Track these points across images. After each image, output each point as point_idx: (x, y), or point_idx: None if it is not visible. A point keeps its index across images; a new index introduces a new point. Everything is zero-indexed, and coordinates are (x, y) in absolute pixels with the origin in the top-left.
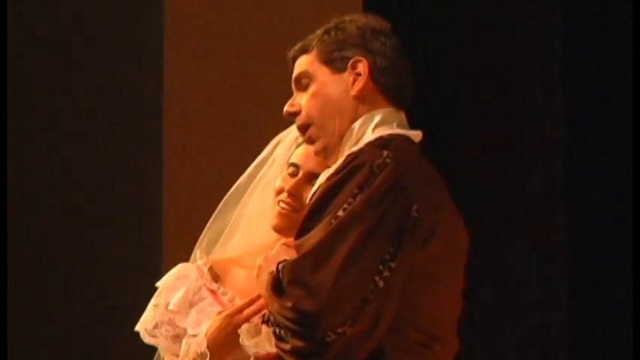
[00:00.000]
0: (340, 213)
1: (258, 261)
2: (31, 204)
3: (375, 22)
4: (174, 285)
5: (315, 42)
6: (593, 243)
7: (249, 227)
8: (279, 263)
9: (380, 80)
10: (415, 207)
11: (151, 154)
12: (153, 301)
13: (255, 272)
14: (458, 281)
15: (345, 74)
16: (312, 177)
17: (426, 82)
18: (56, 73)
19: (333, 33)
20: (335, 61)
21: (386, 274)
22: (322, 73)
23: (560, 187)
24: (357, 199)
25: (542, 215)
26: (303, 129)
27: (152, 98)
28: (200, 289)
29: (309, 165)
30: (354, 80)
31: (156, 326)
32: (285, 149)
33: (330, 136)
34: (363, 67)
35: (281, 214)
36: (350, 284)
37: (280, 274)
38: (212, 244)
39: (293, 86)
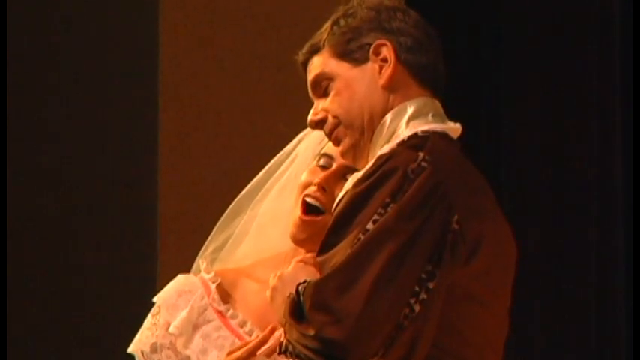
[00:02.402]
0: (370, 226)
1: (272, 281)
2: (22, 209)
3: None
4: (176, 303)
5: (325, 37)
6: None
7: (262, 232)
8: (298, 284)
9: (408, 61)
10: (456, 218)
11: (146, 158)
12: (150, 319)
13: (268, 293)
14: (504, 300)
15: (369, 64)
16: (347, 172)
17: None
18: (52, 74)
19: (342, 22)
20: (353, 53)
21: (423, 296)
22: (342, 70)
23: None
24: (389, 209)
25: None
26: (330, 132)
27: (148, 100)
28: (206, 309)
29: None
30: (381, 68)
31: (154, 350)
32: (313, 144)
33: (359, 135)
34: (387, 51)
35: (301, 223)
36: (381, 309)
37: (301, 297)
38: (218, 250)
39: (311, 93)
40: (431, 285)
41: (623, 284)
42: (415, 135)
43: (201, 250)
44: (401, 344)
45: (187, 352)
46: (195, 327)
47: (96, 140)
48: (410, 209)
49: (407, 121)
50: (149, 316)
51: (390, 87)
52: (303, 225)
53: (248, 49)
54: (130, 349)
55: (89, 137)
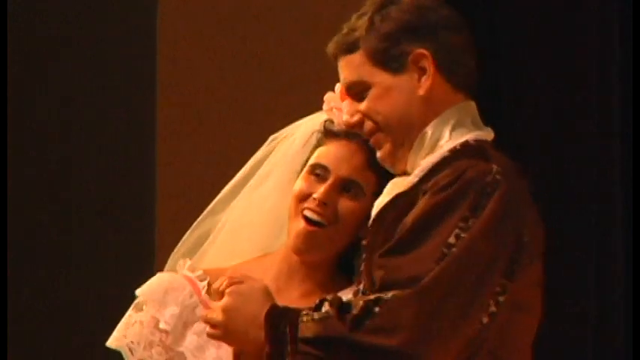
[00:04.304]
0: (452, 240)
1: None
2: (20, 205)
3: (423, 4)
4: (164, 300)
5: (360, 37)
6: None
7: (235, 235)
8: (336, 301)
9: (446, 68)
10: (525, 231)
11: (144, 159)
12: (134, 315)
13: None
14: (541, 305)
15: (407, 72)
16: (345, 184)
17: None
18: (49, 74)
19: (378, 22)
20: (391, 61)
21: (492, 309)
22: (380, 77)
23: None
24: (471, 224)
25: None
26: (368, 134)
27: (145, 101)
28: (196, 306)
29: (344, 170)
30: (419, 76)
31: (144, 347)
32: (296, 148)
33: (399, 142)
34: (426, 61)
35: (306, 234)
36: (462, 330)
37: (362, 312)
38: (190, 252)
39: (342, 89)
40: (501, 298)
41: (623, 286)
42: (467, 143)
43: (175, 250)
44: (467, 356)
45: (180, 349)
46: (186, 324)
47: (93, 141)
48: (491, 227)
49: (450, 131)
50: (131, 311)
51: (429, 96)
52: (307, 236)
53: (246, 49)
54: (113, 344)
55: (86, 138)
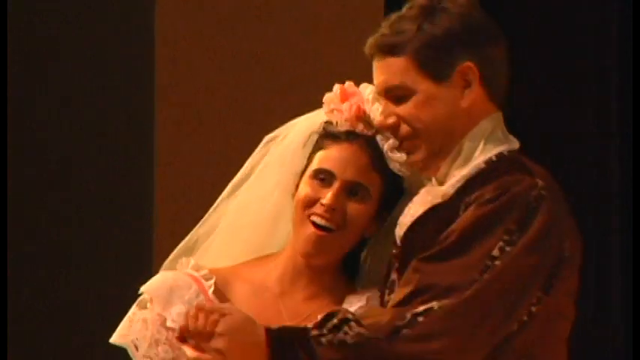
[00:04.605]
0: (496, 252)
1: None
2: (20, 205)
3: (472, 15)
4: (170, 298)
5: (407, 41)
6: None
7: (233, 236)
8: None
9: (487, 81)
10: (566, 245)
11: (143, 157)
12: (138, 313)
13: None
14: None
15: (451, 82)
16: (351, 187)
17: None
18: (48, 74)
19: (428, 29)
20: (438, 70)
21: (524, 318)
22: (424, 85)
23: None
24: (515, 238)
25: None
26: (403, 138)
27: (144, 101)
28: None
29: (349, 173)
30: (463, 88)
31: (150, 344)
32: (294, 148)
33: (436, 151)
34: (472, 74)
35: (316, 239)
36: (499, 335)
37: (403, 322)
38: (188, 252)
39: (380, 91)
40: (534, 309)
41: (623, 286)
42: (501, 155)
43: (176, 249)
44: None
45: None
46: None
47: (92, 141)
48: (535, 243)
49: (485, 142)
50: (135, 308)
51: (470, 108)
52: (317, 241)
53: (245, 49)
54: (117, 341)
55: (85, 138)
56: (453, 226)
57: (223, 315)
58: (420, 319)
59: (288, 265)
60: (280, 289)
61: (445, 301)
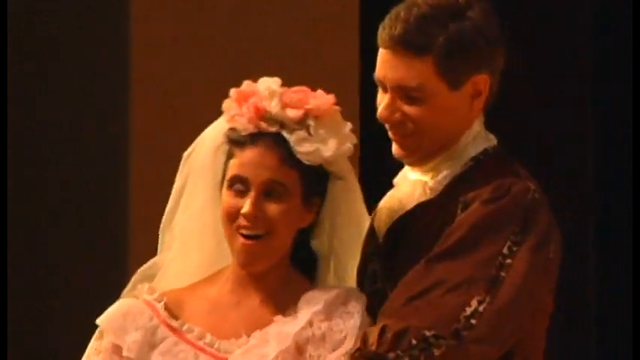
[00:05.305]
0: (506, 251)
1: None
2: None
3: (491, 26)
4: (124, 325)
5: (434, 44)
6: None
7: (183, 257)
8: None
9: (491, 94)
10: (552, 246)
11: (117, 160)
12: (95, 344)
13: None
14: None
15: (463, 90)
16: (268, 188)
17: None
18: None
19: (455, 37)
20: (456, 77)
21: None
22: (440, 90)
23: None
24: (519, 239)
25: None
26: (404, 133)
27: (119, 100)
28: (157, 328)
29: (261, 175)
30: (473, 97)
31: None
32: (207, 161)
33: (434, 151)
34: (484, 86)
35: (248, 248)
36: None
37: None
38: (147, 278)
39: (393, 87)
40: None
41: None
42: (487, 152)
43: (134, 276)
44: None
45: None
46: (151, 346)
47: (65, 142)
48: (539, 245)
49: (473, 140)
50: (93, 341)
51: (476, 115)
52: (249, 250)
53: (223, 47)
54: None
55: (59, 140)
56: (457, 224)
57: None
58: (473, 321)
59: (236, 276)
60: (236, 300)
61: (485, 301)
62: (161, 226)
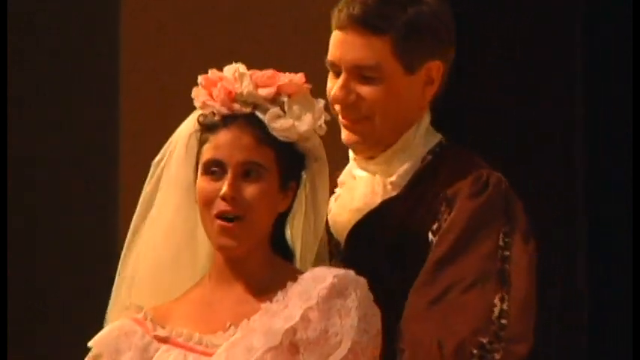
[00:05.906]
0: (501, 243)
1: None
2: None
3: (446, 13)
4: (117, 346)
5: (393, 25)
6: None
7: (158, 272)
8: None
9: (441, 85)
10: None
11: (107, 160)
12: None
13: None
14: None
15: (417, 75)
16: (244, 169)
17: None
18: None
19: (413, 19)
20: (412, 61)
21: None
22: (396, 73)
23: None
24: (508, 229)
25: None
26: (357, 116)
27: (108, 100)
28: (149, 344)
29: (237, 156)
30: (425, 84)
31: None
32: (180, 159)
33: (385, 135)
34: (437, 73)
35: (228, 231)
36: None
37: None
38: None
39: (348, 67)
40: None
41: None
42: (441, 144)
43: (110, 302)
44: None
45: None
46: None
47: (55, 140)
48: (527, 232)
49: (424, 133)
50: None
51: (424, 103)
52: (229, 233)
53: (211, 47)
54: None
55: (48, 138)
56: (450, 223)
57: None
58: (504, 321)
59: (218, 272)
60: (220, 294)
61: (505, 299)
62: (125, 244)
